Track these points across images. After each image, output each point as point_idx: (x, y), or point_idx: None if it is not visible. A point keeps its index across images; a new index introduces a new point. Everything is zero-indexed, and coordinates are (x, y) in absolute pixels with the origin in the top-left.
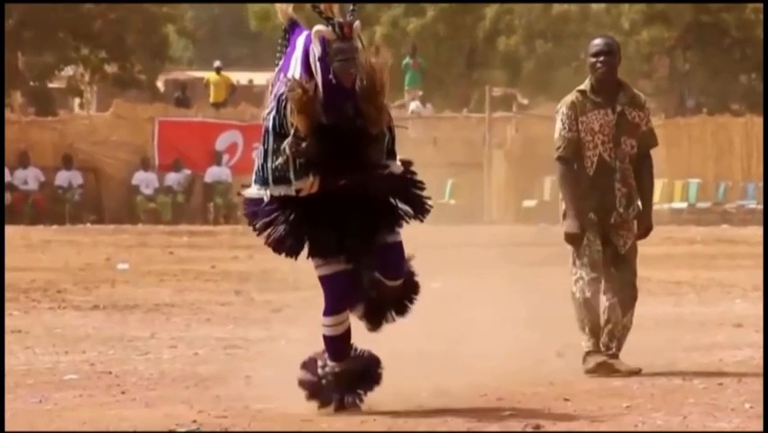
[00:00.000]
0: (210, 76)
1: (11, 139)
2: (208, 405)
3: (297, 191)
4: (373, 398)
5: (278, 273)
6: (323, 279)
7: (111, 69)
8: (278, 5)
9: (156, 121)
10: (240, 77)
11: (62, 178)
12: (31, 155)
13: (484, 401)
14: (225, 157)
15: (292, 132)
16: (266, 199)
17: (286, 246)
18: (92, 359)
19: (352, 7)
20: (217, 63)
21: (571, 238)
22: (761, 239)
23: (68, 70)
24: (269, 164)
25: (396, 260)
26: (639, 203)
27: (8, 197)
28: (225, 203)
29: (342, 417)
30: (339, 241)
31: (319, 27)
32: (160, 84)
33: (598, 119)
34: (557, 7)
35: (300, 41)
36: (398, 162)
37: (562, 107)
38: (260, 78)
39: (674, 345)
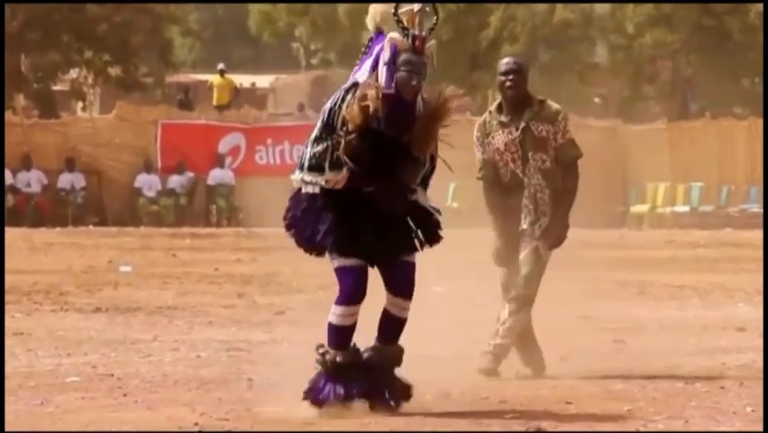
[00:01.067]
0: (213, 78)
1: (14, 141)
2: (210, 408)
3: (327, 182)
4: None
5: (281, 276)
6: (339, 270)
7: (114, 71)
8: (368, 16)
9: (159, 123)
10: (242, 79)
11: (65, 180)
12: (33, 158)
13: (486, 404)
14: (228, 159)
15: (340, 123)
16: (294, 185)
17: (314, 239)
18: (94, 361)
19: (432, 25)
20: (221, 65)
21: (495, 257)
22: (764, 242)
23: (72, 73)
24: (308, 150)
25: (409, 280)
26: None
27: (11, 199)
28: (228, 205)
29: (343, 420)
30: (359, 240)
31: (394, 34)
32: (162, 86)
33: (503, 138)
34: (559, 14)
35: (377, 49)
36: (427, 196)
37: (475, 130)
38: (263, 80)
39: (677, 349)
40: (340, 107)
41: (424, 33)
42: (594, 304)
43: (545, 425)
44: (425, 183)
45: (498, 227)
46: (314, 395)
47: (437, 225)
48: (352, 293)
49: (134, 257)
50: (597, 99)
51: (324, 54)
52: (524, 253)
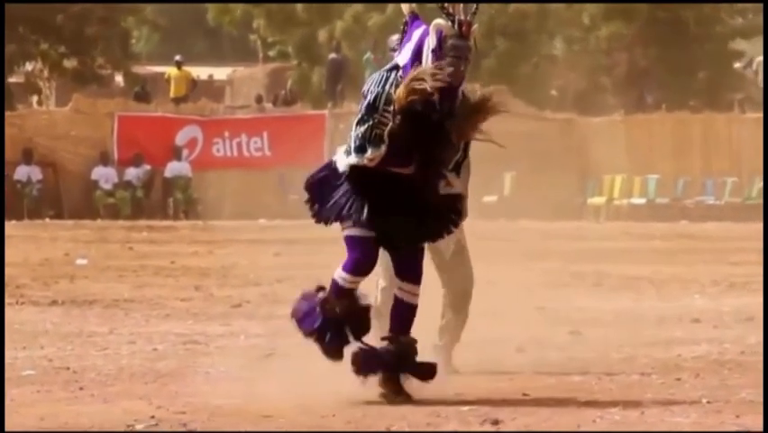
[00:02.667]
0: (171, 70)
1: None
2: (167, 401)
3: (369, 160)
4: (333, 392)
5: (238, 269)
6: (349, 239)
7: (71, 63)
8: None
9: (116, 116)
10: (200, 71)
11: (21, 172)
12: None
13: (443, 396)
14: (185, 152)
15: (383, 103)
16: (340, 170)
17: (343, 213)
18: (50, 355)
19: (474, 9)
20: (178, 58)
21: None
22: (720, 234)
23: (27, 66)
24: (353, 133)
25: (419, 264)
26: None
27: None
28: (185, 198)
29: (302, 412)
30: (382, 219)
31: (439, 21)
32: (119, 78)
33: None
34: (515, 4)
35: (417, 33)
36: (457, 181)
37: None
38: (220, 73)
39: (633, 340)
40: (383, 88)
41: (468, 18)
42: (550, 295)
43: (502, 417)
44: (457, 169)
45: None
46: (307, 324)
47: (452, 222)
48: (360, 265)
49: (91, 250)
50: (553, 91)
51: (281, 47)
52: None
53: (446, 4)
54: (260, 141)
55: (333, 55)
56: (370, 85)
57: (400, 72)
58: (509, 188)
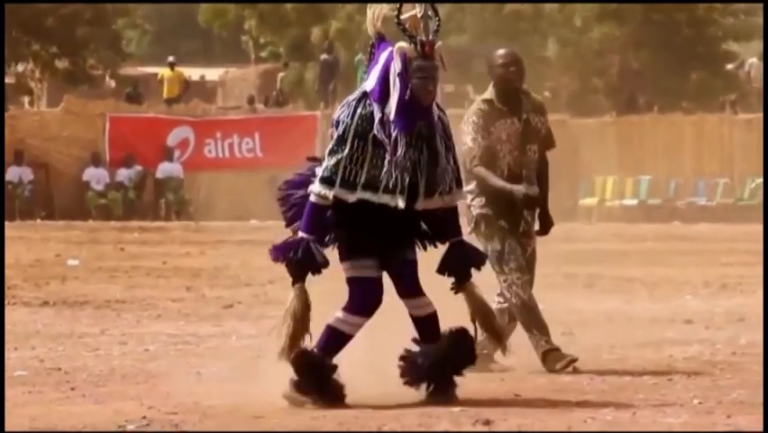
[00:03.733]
0: (163, 71)
1: None
2: (158, 401)
3: (334, 197)
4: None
5: (230, 270)
6: (351, 280)
7: (62, 64)
8: (367, 20)
9: (107, 117)
10: (192, 72)
11: (13, 173)
12: None
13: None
14: (177, 153)
15: (351, 135)
16: (311, 197)
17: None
18: (41, 355)
19: (436, 27)
20: (171, 59)
21: (532, 195)
22: (712, 235)
23: (19, 67)
24: (324, 162)
25: (412, 277)
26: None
27: None
28: (177, 199)
29: (293, 413)
30: (373, 244)
31: (402, 44)
32: (111, 79)
33: (506, 128)
34: (509, 6)
35: (383, 56)
36: (462, 194)
37: (472, 117)
38: (212, 73)
39: (625, 342)
40: (352, 119)
41: (431, 38)
42: (542, 296)
43: (494, 417)
44: (458, 183)
45: (506, 182)
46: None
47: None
48: (366, 305)
49: (82, 251)
50: (546, 93)
51: (273, 47)
52: (528, 253)
53: (407, 25)
54: (251, 141)
55: (324, 56)
56: (341, 114)
57: (369, 100)
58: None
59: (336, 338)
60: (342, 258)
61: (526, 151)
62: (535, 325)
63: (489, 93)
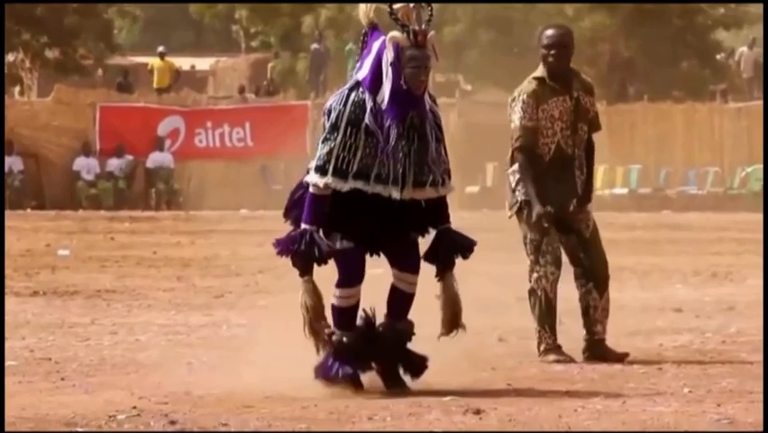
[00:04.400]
0: (154, 61)
1: None
2: (149, 391)
3: (326, 186)
4: (315, 383)
5: (220, 259)
6: (338, 253)
7: (53, 54)
8: (360, 9)
9: (98, 106)
10: (182, 62)
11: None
12: None
13: (425, 385)
14: (167, 142)
15: (344, 123)
16: (311, 189)
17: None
18: (32, 345)
19: (428, 16)
20: (161, 48)
21: (544, 218)
22: (702, 224)
23: (9, 56)
24: (317, 151)
25: (416, 255)
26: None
27: None
28: (167, 189)
29: (284, 403)
30: (363, 226)
31: (394, 33)
32: (101, 69)
33: (558, 106)
34: None
35: (375, 45)
36: (451, 186)
37: (522, 95)
38: (203, 63)
39: (615, 330)
40: (345, 107)
41: (423, 27)
42: None
43: (484, 406)
44: (449, 175)
45: (537, 194)
46: (323, 373)
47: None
48: (351, 276)
49: (73, 240)
50: None
51: (264, 37)
52: (590, 230)
53: (400, 15)
54: (242, 131)
55: (315, 45)
56: (333, 102)
57: (361, 89)
58: (492, 178)
59: (342, 314)
60: (327, 235)
61: (578, 129)
62: (549, 323)
63: (540, 71)
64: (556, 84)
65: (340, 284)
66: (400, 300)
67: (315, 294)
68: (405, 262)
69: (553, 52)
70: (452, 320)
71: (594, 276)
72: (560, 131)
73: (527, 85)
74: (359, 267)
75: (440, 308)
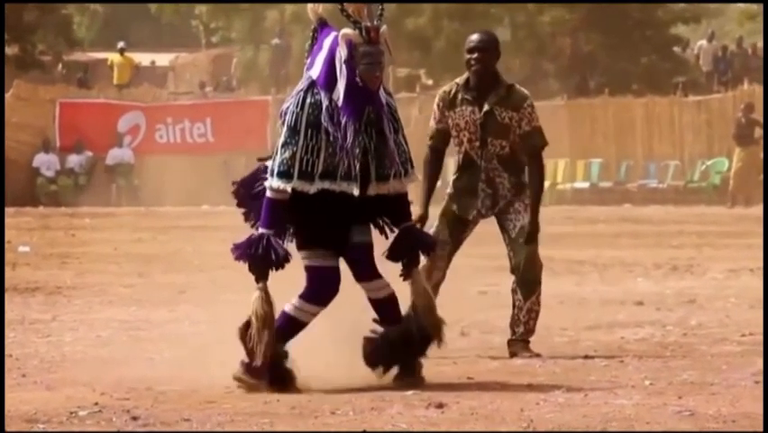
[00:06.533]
0: (114, 57)
1: None
2: (110, 387)
3: (293, 190)
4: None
5: (182, 255)
6: (310, 269)
7: (11, 50)
8: (308, 5)
9: (57, 102)
10: (142, 57)
11: None
12: None
13: (388, 380)
14: (128, 138)
15: (304, 125)
16: (267, 193)
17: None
18: None
19: (379, 12)
20: (121, 44)
21: (417, 222)
22: (662, 218)
23: None
24: (278, 156)
25: (367, 261)
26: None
27: None
28: (128, 185)
29: (246, 398)
30: (329, 232)
31: (346, 30)
32: (61, 65)
33: (464, 116)
34: None
35: (327, 42)
36: (415, 175)
37: (437, 96)
38: (163, 59)
39: (576, 324)
40: (302, 109)
41: (375, 23)
42: (493, 279)
43: (446, 400)
44: (411, 164)
45: (424, 194)
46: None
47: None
48: (322, 296)
49: (33, 237)
50: None
51: (224, 32)
52: (517, 230)
53: (351, 12)
54: (203, 126)
55: (276, 41)
56: (290, 104)
57: (316, 89)
58: (451, 173)
59: (291, 325)
60: (300, 246)
61: (488, 144)
62: None
63: (464, 77)
64: (469, 93)
65: (307, 299)
66: (383, 308)
67: (267, 302)
68: (363, 272)
69: (474, 56)
70: (433, 322)
71: (519, 277)
72: (467, 141)
73: (446, 87)
74: (332, 288)
75: (410, 301)
